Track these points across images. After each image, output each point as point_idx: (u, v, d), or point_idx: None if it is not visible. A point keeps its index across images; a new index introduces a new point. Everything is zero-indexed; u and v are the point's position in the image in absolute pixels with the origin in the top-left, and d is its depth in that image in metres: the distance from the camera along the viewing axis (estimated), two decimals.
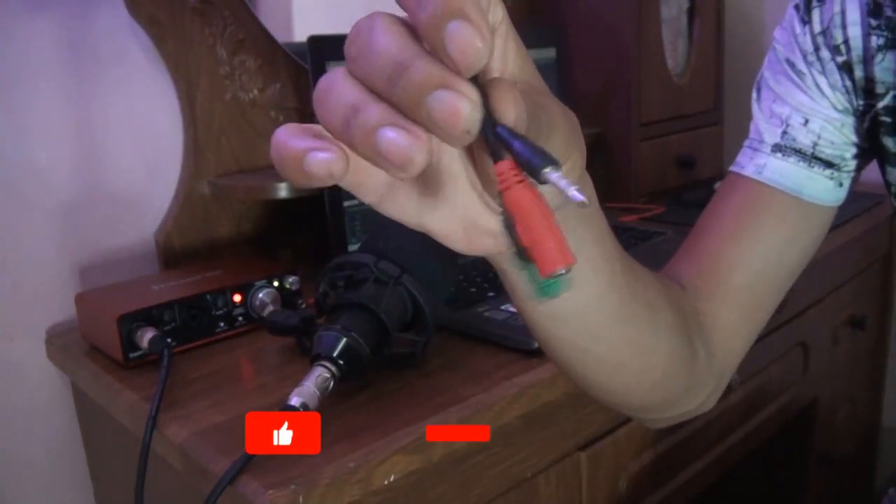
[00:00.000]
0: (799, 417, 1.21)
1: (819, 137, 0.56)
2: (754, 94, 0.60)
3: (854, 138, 0.56)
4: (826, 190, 0.56)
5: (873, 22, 0.52)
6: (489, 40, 0.23)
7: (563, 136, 0.29)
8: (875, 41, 0.53)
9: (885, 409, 1.53)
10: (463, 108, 0.23)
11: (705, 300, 0.54)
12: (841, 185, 0.57)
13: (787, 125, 0.56)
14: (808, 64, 0.56)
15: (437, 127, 0.23)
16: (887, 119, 0.54)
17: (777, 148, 0.56)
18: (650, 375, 0.48)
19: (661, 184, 1.34)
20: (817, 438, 1.26)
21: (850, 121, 0.56)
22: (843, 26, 0.54)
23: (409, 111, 0.24)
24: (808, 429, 1.25)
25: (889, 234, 1.38)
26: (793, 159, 0.56)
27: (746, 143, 0.59)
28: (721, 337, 0.55)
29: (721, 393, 0.58)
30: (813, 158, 0.56)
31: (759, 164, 0.56)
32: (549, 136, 0.28)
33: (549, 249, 0.24)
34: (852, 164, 0.57)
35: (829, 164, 0.56)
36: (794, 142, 0.56)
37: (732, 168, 0.59)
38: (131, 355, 0.73)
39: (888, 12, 0.52)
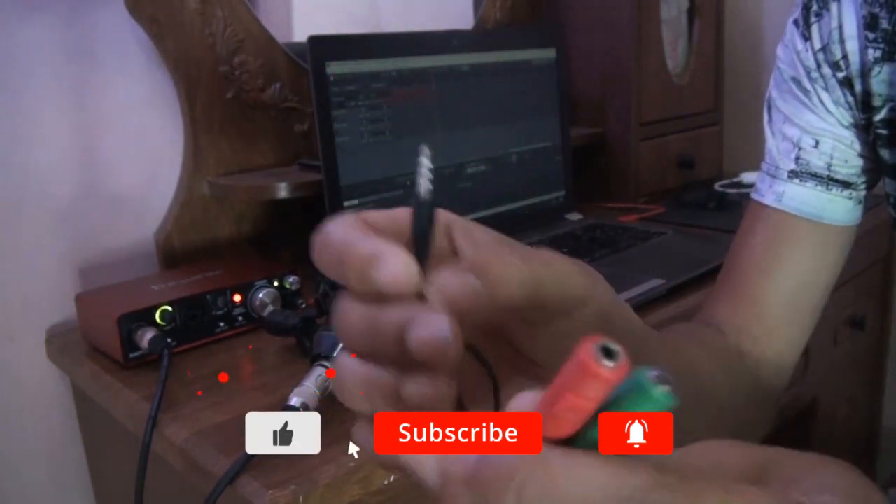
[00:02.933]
0: (799, 418, 1.20)
1: (832, 158, 0.56)
2: (765, 116, 0.60)
3: (864, 152, 0.56)
4: (846, 210, 0.56)
5: (870, 35, 0.52)
6: (458, 335, 0.23)
7: (575, 284, 0.28)
8: (872, 54, 0.52)
9: (885, 409, 1.52)
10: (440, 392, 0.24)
11: (747, 340, 0.55)
12: (860, 202, 0.57)
13: (800, 149, 0.56)
14: (812, 81, 0.56)
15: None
16: (884, 131, 0.53)
17: (793, 174, 0.56)
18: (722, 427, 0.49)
19: (661, 184, 1.34)
20: (817, 439, 1.25)
21: (857, 135, 0.56)
22: (842, 41, 0.53)
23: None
24: (808, 429, 1.24)
25: (889, 235, 1.38)
26: (810, 184, 0.56)
27: (763, 167, 0.59)
28: (768, 369, 0.56)
29: (776, 410, 0.59)
30: (830, 181, 0.56)
31: (778, 191, 0.57)
32: (563, 300, 0.28)
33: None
34: (867, 179, 0.57)
35: (846, 185, 0.56)
36: (809, 165, 0.56)
37: (753, 195, 0.59)
38: (131, 355, 0.73)
39: (884, 24, 0.52)
